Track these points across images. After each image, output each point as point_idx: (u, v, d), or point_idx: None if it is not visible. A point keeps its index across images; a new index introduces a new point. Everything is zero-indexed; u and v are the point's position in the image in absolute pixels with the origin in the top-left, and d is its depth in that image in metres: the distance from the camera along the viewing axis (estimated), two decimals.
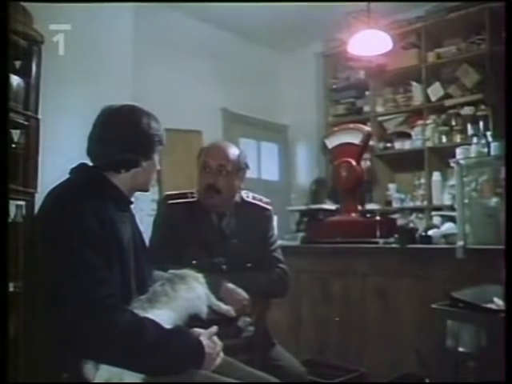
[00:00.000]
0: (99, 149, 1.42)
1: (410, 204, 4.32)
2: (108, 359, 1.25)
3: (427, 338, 2.18)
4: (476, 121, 3.68)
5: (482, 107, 3.79)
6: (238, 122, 4.91)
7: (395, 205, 4.34)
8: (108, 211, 1.36)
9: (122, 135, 1.41)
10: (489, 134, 3.23)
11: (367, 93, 4.65)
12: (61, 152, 2.71)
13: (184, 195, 2.01)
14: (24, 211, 2.48)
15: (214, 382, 1.35)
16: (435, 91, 4.15)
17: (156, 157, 1.48)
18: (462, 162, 2.55)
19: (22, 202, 2.48)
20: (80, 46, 3.15)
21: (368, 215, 2.98)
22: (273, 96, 5.17)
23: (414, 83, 4.32)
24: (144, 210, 3.29)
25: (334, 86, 4.90)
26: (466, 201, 2.42)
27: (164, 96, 3.86)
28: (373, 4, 3.50)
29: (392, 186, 4.46)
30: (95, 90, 3.25)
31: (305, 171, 5.27)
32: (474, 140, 3.19)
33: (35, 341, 1.33)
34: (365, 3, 3.54)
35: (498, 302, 1.84)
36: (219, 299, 1.56)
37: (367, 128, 3.19)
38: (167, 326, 1.30)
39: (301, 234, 3.18)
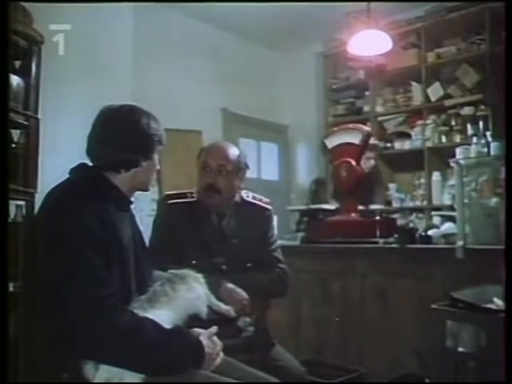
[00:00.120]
0: (99, 149, 1.42)
1: (410, 204, 4.32)
2: (108, 359, 1.25)
3: (427, 338, 2.18)
4: (476, 121, 3.68)
5: (482, 107, 3.78)
6: (237, 122, 4.91)
7: (395, 205, 4.34)
8: (108, 211, 1.36)
9: (122, 135, 1.41)
10: (488, 134, 3.24)
11: (367, 93, 4.65)
12: (61, 152, 2.72)
13: (184, 195, 2.01)
14: (24, 211, 2.48)
15: (213, 382, 1.35)
16: (435, 91, 4.15)
17: (156, 157, 1.48)
18: (461, 162, 2.55)
19: (21, 202, 2.48)
20: (80, 46, 3.16)
21: (368, 215, 2.98)
22: (273, 96, 5.17)
23: (414, 83, 4.31)
24: (144, 210, 3.29)
25: (333, 86, 4.89)
26: (466, 201, 2.42)
27: (164, 96, 3.87)
28: (373, 4, 3.49)
29: (392, 186, 4.46)
30: (95, 90, 3.26)
31: (305, 171, 5.27)
32: (474, 140, 3.20)
33: (35, 341, 1.33)
34: (365, 3, 3.54)
35: (498, 302, 1.83)
36: (219, 299, 1.55)
37: (367, 128, 3.20)
38: (167, 325, 1.30)
39: (301, 234, 3.17)
